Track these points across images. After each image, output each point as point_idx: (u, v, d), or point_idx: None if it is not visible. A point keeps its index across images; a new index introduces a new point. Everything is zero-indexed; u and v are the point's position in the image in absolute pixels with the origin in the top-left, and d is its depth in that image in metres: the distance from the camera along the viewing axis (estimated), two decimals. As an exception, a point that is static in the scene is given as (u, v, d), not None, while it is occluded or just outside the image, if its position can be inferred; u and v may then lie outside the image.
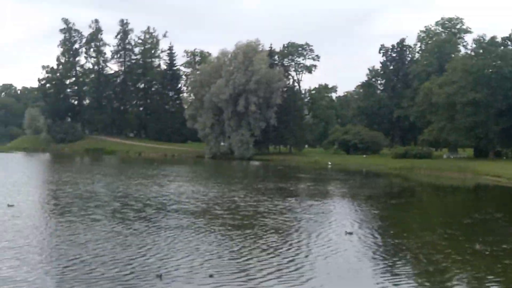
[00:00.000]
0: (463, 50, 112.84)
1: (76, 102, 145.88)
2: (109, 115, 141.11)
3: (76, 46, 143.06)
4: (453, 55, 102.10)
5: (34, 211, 22.95)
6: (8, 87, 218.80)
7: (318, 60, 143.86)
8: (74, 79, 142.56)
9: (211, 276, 12.94)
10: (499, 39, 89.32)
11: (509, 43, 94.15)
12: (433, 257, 15.77)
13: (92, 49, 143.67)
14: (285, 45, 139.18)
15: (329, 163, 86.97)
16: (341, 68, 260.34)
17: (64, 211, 22.71)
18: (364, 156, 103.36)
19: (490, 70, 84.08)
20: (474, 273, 14.08)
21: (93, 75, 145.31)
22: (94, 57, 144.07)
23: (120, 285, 11.99)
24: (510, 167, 60.26)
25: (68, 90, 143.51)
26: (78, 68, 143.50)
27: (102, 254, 14.69)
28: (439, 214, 27.39)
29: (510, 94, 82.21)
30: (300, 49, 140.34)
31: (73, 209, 23.40)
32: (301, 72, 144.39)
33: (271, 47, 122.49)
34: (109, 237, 17.13)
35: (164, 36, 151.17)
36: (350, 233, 19.25)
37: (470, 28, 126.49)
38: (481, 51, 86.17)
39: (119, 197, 28.96)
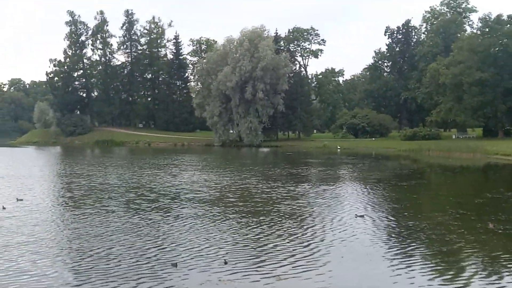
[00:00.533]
0: (468, 30, 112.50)
1: (84, 95, 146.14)
2: (117, 106, 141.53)
3: (83, 38, 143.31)
4: (459, 35, 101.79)
5: (49, 204, 23.23)
6: (17, 82, 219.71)
7: (324, 45, 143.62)
8: (81, 71, 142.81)
9: (226, 263, 13.22)
10: (505, 17, 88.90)
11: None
12: (446, 237, 15.99)
13: (98, 41, 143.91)
14: (291, 30, 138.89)
15: (338, 147, 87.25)
16: (348, 52, 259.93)
17: (79, 204, 23.01)
18: (373, 139, 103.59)
19: (497, 49, 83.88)
20: (488, 252, 14.29)
21: (100, 67, 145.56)
22: (100, 49, 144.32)
23: (135, 274, 12.22)
24: (520, 146, 60.30)
25: (76, 82, 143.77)
26: (85, 61, 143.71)
27: (118, 245, 14.94)
28: (450, 195, 27.56)
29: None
30: (305, 33, 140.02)
31: (87, 201, 23.71)
32: (307, 57, 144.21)
33: (276, 33, 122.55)
34: (125, 228, 17.41)
35: (170, 25, 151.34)
36: (362, 216, 19.48)
37: (475, 7, 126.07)
38: (487, 30, 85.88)
39: (133, 188, 29.27)
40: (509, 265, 12.91)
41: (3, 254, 14.12)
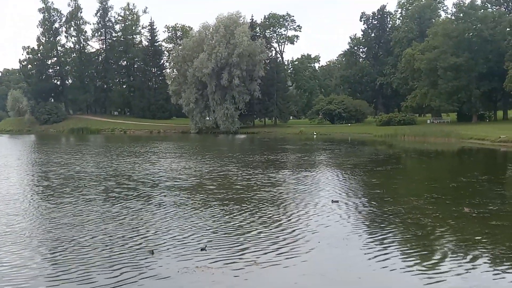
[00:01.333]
0: (443, 15, 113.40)
1: (58, 82, 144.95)
2: (92, 94, 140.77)
3: (56, 25, 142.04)
4: (433, 20, 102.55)
5: (27, 194, 22.93)
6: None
7: (300, 31, 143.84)
8: (55, 59, 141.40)
9: (202, 249, 13.20)
10: (478, 2, 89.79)
11: (488, 5, 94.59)
12: (421, 221, 16.09)
13: (72, 28, 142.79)
14: (266, 17, 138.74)
15: (315, 133, 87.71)
16: (324, 38, 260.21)
17: (58, 193, 22.72)
18: (349, 125, 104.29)
19: (471, 34, 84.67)
20: (463, 235, 14.40)
21: (74, 54, 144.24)
22: (74, 36, 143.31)
23: (113, 263, 12.11)
24: (493, 130, 61.12)
25: (50, 70, 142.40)
26: (59, 48, 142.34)
27: (97, 234, 14.77)
28: (425, 179, 27.82)
29: (490, 57, 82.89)
30: (281, 20, 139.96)
31: (66, 190, 23.44)
32: (283, 43, 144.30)
33: (252, 19, 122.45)
34: (104, 216, 17.22)
35: (145, 12, 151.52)
36: (336, 201, 19.56)
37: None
38: (461, 15, 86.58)
39: (112, 176, 29.00)
40: (483, 248, 13.04)
41: (-22, 245, 13.92)
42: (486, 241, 13.66)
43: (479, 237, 14.06)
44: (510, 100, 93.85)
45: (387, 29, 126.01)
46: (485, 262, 11.91)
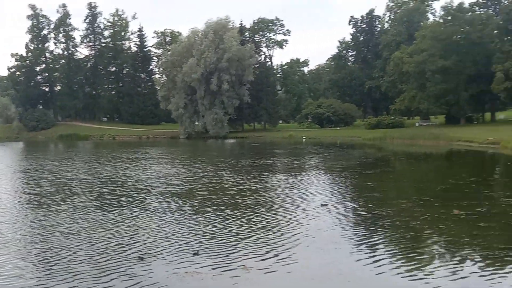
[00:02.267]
0: (431, 18, 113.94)
1: (47, 89, 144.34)
2: (81, 100, 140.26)
3: (45, 32, 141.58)
4: (421, 24, 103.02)
5: (18, 201, 22.78)
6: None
7: (289, 35, 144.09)
8: (44, 65, 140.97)
9: (195, 254, 13.20)
10: (466, 5, 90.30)
11: (476, 8, 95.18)
12: (410, 223, 16.16)
13: (61, 35, 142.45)
14: (255, 21, 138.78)
15: (304, 137, 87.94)
16: (313, 42, 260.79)
17: (49, 200, 22.52)
18: (338, 128, 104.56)
19: (459, 37, 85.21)
20: (451, 237, 14.48)
21: (63, 61, 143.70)
22: (63, 43, 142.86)
23: (99, 269, 12.10)
24: (481, 132, 61.48)
25: (39, 77, 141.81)
26: (47, 54, 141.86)
27: (88, 242, 14.65)
28: (414, 182, 27.93)
29: (478, 59, 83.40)
30: (270, 24, 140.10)
31: (57, 197, 23.29)
32: (272, 48, 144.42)
33: (241, 24, 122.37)
34: (96, 224, 17.07)
35: (133, 18, 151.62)
36: (326, 205, 19.61)
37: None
38: (449, 18, 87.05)
39: (103, 182, 28.82)
40: (472, 250, 13.11)
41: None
42: (475, 243, 13.74)
43: (468, 239, 14.14)
44: (497, 102, 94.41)
45: (376, 32, 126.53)
46: (473, 264, 11.97)
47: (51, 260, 13.06)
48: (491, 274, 11.24)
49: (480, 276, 11.18)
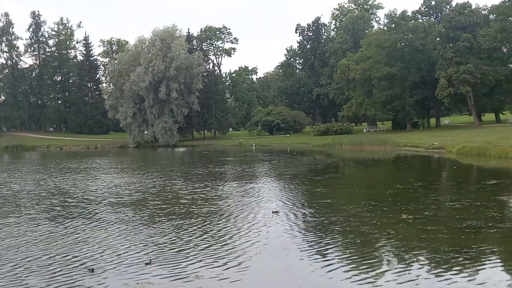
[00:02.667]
0: (376, 26, 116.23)
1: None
2: (27, 110, 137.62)
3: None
4: (366, 31, 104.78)
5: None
6: None
7: (237, 43, 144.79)
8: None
9: (147, 263, 13.11)
10: (409, 13, 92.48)
11: (419, 16, 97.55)
12: (360, 228, 16.39)
13: (4, 44, 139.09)
14: (203, 29, 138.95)
15: (253, 144, 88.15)
16: (260, 50, 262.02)
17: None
18: (287, 135, 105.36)
19: (403, 44, 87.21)
20: (400, 241, 14.72)
21: (6, 70, 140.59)
22: (6, 52, 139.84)
23: (48, 282, 11.90)
24: (427, 137, 62.91)
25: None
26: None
27: (37, 255, 14.34)
28: (363, 187, 28.30)
29: (422, 66, 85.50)
30: (218, 32, 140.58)
31: (4, 209, 22.84)
32: (220, 56, 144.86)
33: (188, 32, 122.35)
34: (45, 236, 16.67)
35: (79, 26, 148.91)
36: (277, 212, 19.71)
37: (381, 4, 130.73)
38: (393, 25, 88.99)
39: (52, 194, 28.13)
40: (420, 253, 13.37)
41: None
42: (423, 246, 14.01)
43: (416, 243, 14.41)
44: (442, 108, 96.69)
45: (322, 40, 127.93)
46: (422, 267, 12.22)
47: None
48: (439, 276, 11.49)
49: (428, 278, 11.41)
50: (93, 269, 12.75)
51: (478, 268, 12.02)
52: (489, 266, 12.16)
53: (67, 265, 13.25)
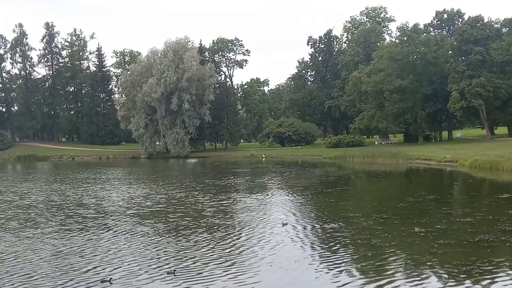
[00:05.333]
0: (388, 39, 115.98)
1: (4, 109, 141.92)
2: (39, 120, 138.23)
3: (1, 51, 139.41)
4: (378, 44, 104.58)
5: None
6: None
7: (249, 55, 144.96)
8: (0, 85, 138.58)
9: (169, 273, 13.19)
10: (421, 26, 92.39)
11: (431, 29, 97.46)
12: (371, 241, 16.34)
13: (17, 54, 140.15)
14: (215, 41, 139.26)
15: (263, 156, 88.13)
16: (272, 62, 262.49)
17: (11, 225, 21.99)
18: (299, 147, 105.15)
19: (415, 57, 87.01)
20: (412, 254, 14.69)
21: (20, 81, 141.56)
22: (20, 63, 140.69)
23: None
24: (439, 150, 62.59)
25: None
26: (4, 75, 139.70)
27: (53, 266, 14.46)
28: (374, 200, 28.21)
29: (434, 79, 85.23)
30: (230, 44, 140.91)
31: (22, 221, 22.78)
32: (232, 67, 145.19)
33: (200, 44, 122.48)
34: (61, 248, 16.67)
35: (92, 37, 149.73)
36: (285, 224, 19.68)
37: (393, 17, 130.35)
38: (405, 38, 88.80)
39: (68, 205, 28.12)
40: (431, 267, 13.33)
41: None
42: (435, 260, 13.97)
43: (428, 256, 14.35)
44: (454, 121, 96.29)
45: (334, 52, 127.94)
46: (434, 280, 12.18)
47: (12, 284, 12.84)
48: (451, 290, 11.46)
49: (440, 292, 11.38)
50: (110, 279, 12.82)
51: (491, 282, 11.96)
52: (501, 280, 12.11)
53: (86, 277, 13.30)
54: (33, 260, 15.18)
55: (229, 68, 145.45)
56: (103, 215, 23.96)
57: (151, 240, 17.72)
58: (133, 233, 19.10)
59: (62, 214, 24.63)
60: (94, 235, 18.87)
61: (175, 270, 13.39)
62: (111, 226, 20.73)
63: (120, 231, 19.59)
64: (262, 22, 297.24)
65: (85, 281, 12.89)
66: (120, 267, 14.20)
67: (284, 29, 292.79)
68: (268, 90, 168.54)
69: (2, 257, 15.60)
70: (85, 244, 17.27)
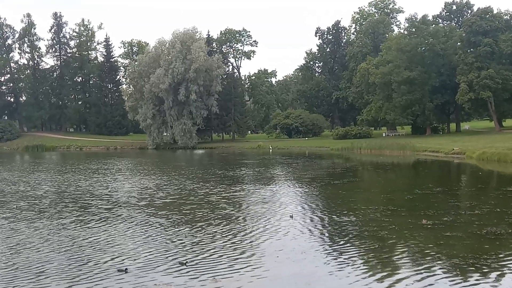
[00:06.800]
0: (396, 30, 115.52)
1: (12, 100, 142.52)
2: (47, 111, 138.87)
3: (9, 42, 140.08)
4: (387, 35, 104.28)
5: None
6: None
7: (256, 46, 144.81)
8: (8, 76, 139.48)
9: (181, 263, 13.25)
10: (430, 18, 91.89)
11: (439, 21, 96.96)
12: (378, 233, 16.33)
13: (26, 45, 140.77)
14: (223, 32, 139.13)
15: (270, 147, 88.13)
16: (280, 53, 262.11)
17: (26, 216, 21.96)
18: (306, 138, 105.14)
19: (423, 48, 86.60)
20: (419, 246, 14.67)
21: (28, 71, 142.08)
22: (28, 53, 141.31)
23: (82, 281, 12.08)
24: (447, 142, 62.43)
25: (3, 87, 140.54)
26: (12, 65, 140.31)
27: (70, 256, 14.49)
28: (382, 192, 28.16)
29: (442, 71, 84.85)
30: (237, 35, 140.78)
31: (34, 212, 22.86)
32: (240, 58, 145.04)
33: (208, 35, 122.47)
34: (77, 239, 16.71)
35: (100, 28, 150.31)
36: (291, 216, 19.64)
37: (402, 8, 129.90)
38: (413, 30, 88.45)
39: (82, 195, 28.07)
40: (439, 259, 13.29)
41: None
42: (442, 252, 13.92)
43: (435, 248, 14.32)
44: (462, 113, 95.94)
45: (342, 44, 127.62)
46: (441, 273, 12.15)
47: (28, 275, 12.92)
48: (458, 283, 11.43)
49: (447, 284, 11.36)
50: (126, 269, 12.90)
51: (498, 274, 11.94)
52: (509, 272, 12.09)
53: (102, 266, 13.39)
54: (49, 251, 15.21)
55: (236, 59, 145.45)
56: (117, 205, 24.03)
57: (164, 230, 17.76)
58: (147, 223, 19.18)
59: (76, 205, 24.65)
60: (109, 226, 18.94)
61: (186, 261, 13.43)
62: (125, 217, 20.77)
63: (134, 222, 19.64)
64: (269, 18, 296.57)
65: (102, 272, 12.93)
66: (135, 258, 14.22)
67: (291, 24, 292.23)
68: (275, 82, 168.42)
69: (18, 248, 15.63)
70: (100, 235, 17.34)
